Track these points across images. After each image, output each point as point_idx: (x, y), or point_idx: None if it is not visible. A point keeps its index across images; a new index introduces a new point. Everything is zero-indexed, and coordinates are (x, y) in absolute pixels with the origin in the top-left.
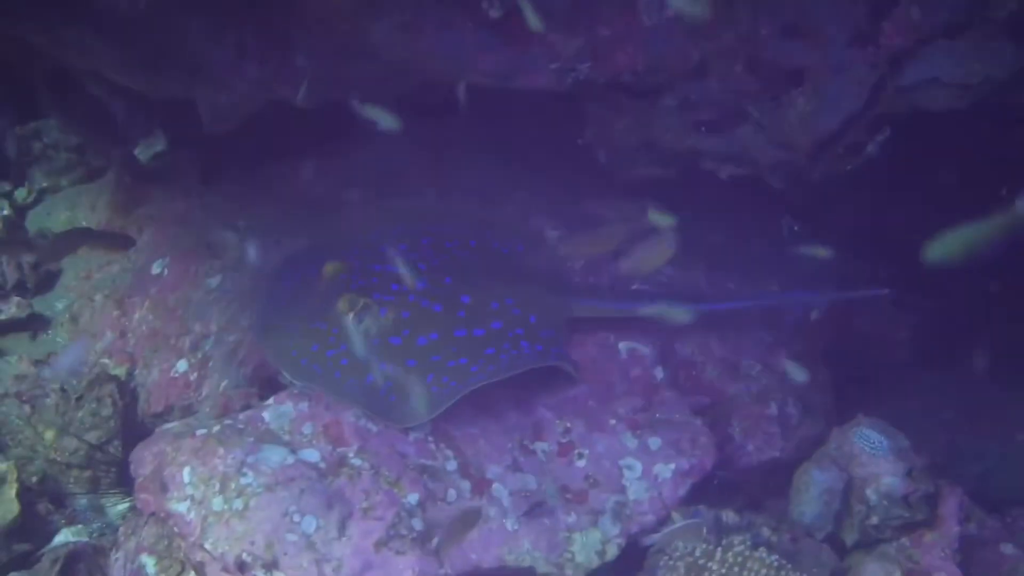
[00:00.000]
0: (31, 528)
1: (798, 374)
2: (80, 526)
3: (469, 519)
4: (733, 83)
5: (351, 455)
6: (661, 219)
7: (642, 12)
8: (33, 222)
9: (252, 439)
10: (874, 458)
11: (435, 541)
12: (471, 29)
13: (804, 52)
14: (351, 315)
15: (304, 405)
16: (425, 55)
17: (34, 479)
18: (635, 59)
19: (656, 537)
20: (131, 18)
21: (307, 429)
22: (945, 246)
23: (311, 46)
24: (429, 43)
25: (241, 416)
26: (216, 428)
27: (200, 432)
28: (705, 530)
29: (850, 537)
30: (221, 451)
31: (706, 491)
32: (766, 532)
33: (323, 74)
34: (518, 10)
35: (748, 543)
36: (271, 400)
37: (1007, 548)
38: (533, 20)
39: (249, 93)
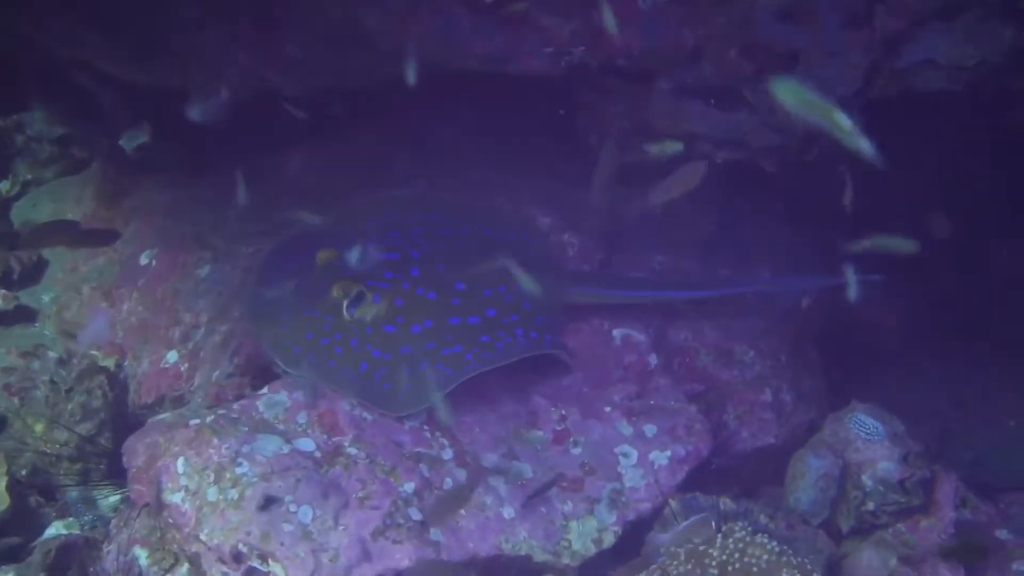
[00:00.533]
0: (22, 521)
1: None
2: (71, 519)
3: (461, 494)
4: (728, 67)
5: (346, 444)
6: (671, 147)
7: None
8: (18, 215)
9: (247, 429)
10: (869, 444)
11: (426, 514)
12: (465, 14)
13: (798, 35)
14: (345, 302)
15: (298, 394)
16: (418, 41)
17: (24, 472)
18: (630, 42)
19: (666, 537)
20: (121, 4)
21: (302, 418)
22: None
23: (303, 32)
24: (423, 29)
25: (235, 406)
26: (210, 418)
27: (194, 422)
28: (713, 524)
29: (846, 523)
30: (215, 441)
31: (702, 478)
32: (763, 519)
33: (315, 61)
34: None
35: (749, 529)
36: (265, 389)
37: (1002, 533)
38: (610, 22)
39: (240, 81)
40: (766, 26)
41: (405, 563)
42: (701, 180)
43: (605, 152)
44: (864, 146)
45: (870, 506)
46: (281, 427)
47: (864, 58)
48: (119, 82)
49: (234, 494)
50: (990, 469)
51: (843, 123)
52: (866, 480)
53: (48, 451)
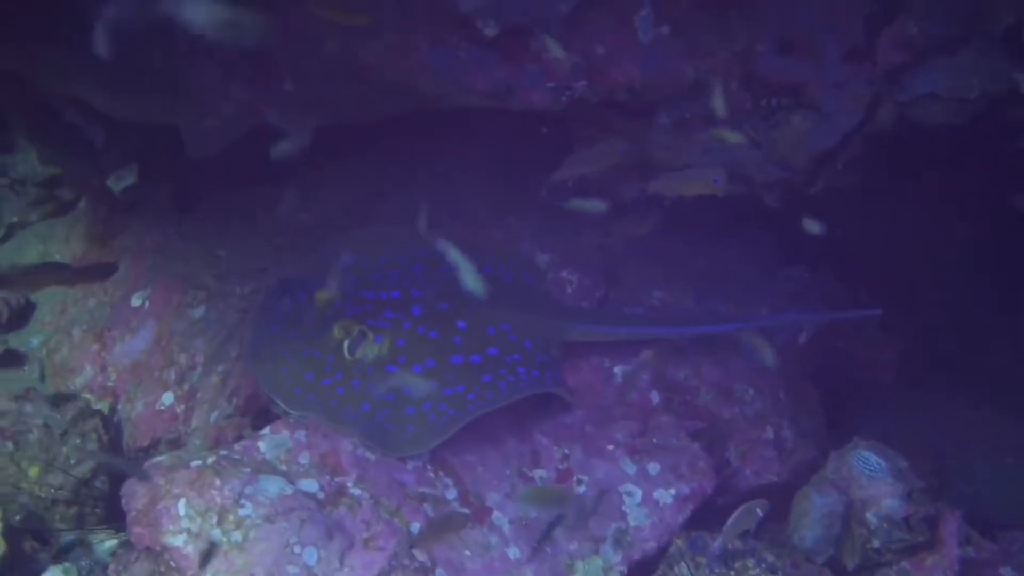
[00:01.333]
0: (17, 567)
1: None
2: (68, 564)
3: (455, 521)
4: (729, 100)
5: (350, 485)
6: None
7: (638, 29)
8: (4, 257)
9: (249, 470)
10: (873, 480)
11: (416, 537)
12: (465, 48)
13: (800, 68)
14: (347, 342)
15: (301, 434)
16: (417, 75)
17: (18, 517)
18: (631, 76)
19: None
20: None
21: (304, 459)
22: None
23: (298, 67)
24: (421, 63)
25: (236, 447)
26: (211, 459)
27: (195, 464)
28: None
29: (851, 561)
30: (218, 482)
31: (706, 516)
32: (770, 558)
33: (312, 96)
34: (513, 28)
35: (763, 567)
36: (267, 429)
37: (1006, 571)
38: (720, 107)
39: (234, 117)
40: (767, 59)
41: None
42: (716, 191)
43: (605, 145)
44: None
45: (875, 544)
46: (284, 468)
47: (866, 91)
48: (108, 119)
49: (238, 536)
50: (989, 506)
51: None
52: (871, 517)
53: (43, 495)
